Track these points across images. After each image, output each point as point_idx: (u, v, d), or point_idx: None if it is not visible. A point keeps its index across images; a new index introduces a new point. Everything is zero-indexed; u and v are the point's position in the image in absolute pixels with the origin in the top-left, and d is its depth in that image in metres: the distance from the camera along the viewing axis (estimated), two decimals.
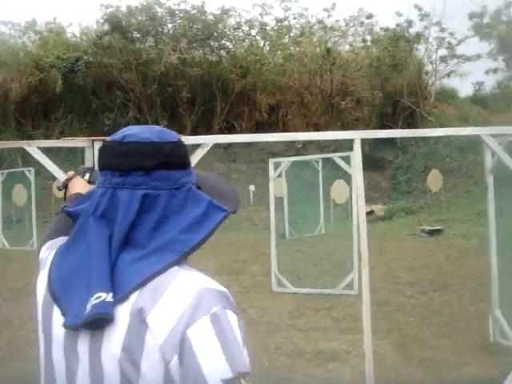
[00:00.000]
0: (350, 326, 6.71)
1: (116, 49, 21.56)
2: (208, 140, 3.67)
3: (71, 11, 40.37)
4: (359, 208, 4.20)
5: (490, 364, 5.20)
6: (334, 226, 14.53)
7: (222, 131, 20.90)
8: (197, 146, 3.72)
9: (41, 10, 41.08)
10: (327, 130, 20.62)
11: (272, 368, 5.45)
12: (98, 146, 3.65)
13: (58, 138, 20.11)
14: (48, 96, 21.58)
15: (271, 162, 9.14)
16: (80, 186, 1.79)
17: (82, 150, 4.48)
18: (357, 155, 3.97)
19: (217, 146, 22.32)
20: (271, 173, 9.14)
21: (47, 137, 19.84)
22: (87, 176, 1.85)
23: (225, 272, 10.34)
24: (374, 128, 19.58)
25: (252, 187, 18.79)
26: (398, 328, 6.59)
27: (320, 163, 14.47)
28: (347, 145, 21.02)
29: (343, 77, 21.60)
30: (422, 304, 7.67)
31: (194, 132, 21.10)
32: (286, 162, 9.13)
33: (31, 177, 14.59)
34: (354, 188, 4.06)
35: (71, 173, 1.88)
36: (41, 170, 16.03)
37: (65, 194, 1.83)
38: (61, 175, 3.67)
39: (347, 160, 8.81)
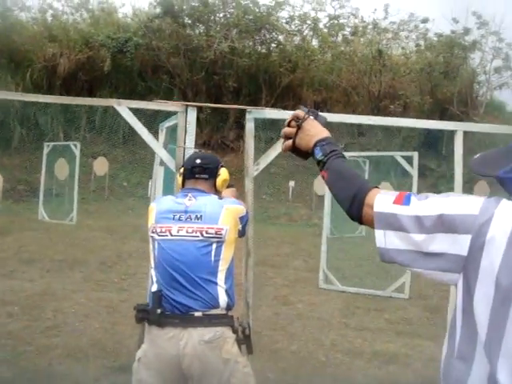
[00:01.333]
0: (406, 329, 6.48)
1: (166, 33, 21.48)
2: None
3: None
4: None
5: None
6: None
7: (264, 125, 20.69)
8: None
9: None
10: (371, 133, 20.40)
11: (330, 364, 5.24)
12: (191, 111, 3.48)
13: (101, 117, 20.20)
14: (95, 74, 21.59)
15: None
16: (316, 128, 1.69)
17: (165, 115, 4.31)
18: (458, 149, 3.73)
19: (258, 138, 22.06)
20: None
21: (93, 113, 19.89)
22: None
23: (268, 264, 10.15)
24: (420, 134, 19.22)
25: (292, 183, 18.58)
26: None
27: (367, 164, 14.19)
28: (390, 147, 20.60)
29: (392, 80, 21.23)
30: None
31: (237, 123, 20.97)
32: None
33: (77, 151, 14.56)
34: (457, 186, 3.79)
35: (300, 112, 1.70)
36: (82, 149, 16.09)
37: (296, 133, 1.69)
38: (150, 139, 3.51)
39: (410, 160, 8.56)
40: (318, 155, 1.65)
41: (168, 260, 2.70)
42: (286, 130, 1.75)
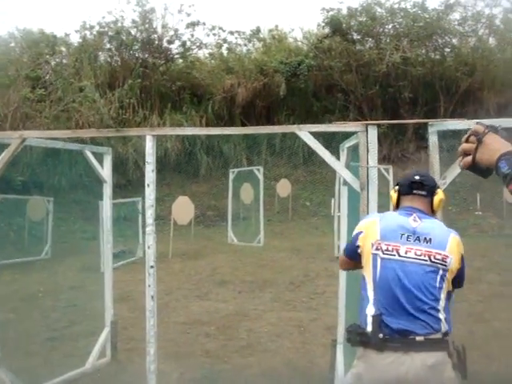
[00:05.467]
0: None
1: (336, 51, 21.64)
2: (493, 123, 3.26)
3: (293, 17, 41.67)
4: None
5: None
6: None
7: (443, 132, 19.92)
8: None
9: (264, 19, 42.98)
10: None
11: None
12: (371, 130, 3.45)
13: (281, 141, 20.82)
14: (271, 99, 22.36)
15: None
16: (499, 143, 1.64)
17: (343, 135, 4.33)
18: None
19: (440, 148, 21.31)
20: None
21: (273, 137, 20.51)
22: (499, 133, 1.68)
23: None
24: None
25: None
26: None
27: None
28: None
29: None
30: None
31: (415, 134, 20.44)
32: None
33: (260, 175, 15.11)
34: None
35: (480, 127, 1.67)
36: (265, 172, 16.68)
37: (476, 148, 1.65)
38: (332, 160, 3.53)
39: None
40: (504, 169, 1.56)
41: (394, 280, 2.65)
42: (465, 145, 1.69)
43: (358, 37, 22.23)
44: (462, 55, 20.90)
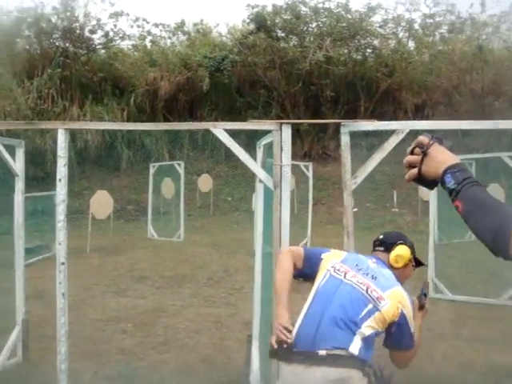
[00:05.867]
0: None
1: (261, 48, 21.77)
2: (403, 126, 3.39)
3: (218, 12, 41.56)
4: None
5: None
6: None
7: (364, 132, 20.43)
8: (391, 133, 3.45)
9: (189, 12, 42.68)
10: (476, 134, 19.59)
11: (441, 378, 5.06)
12: (285, 129, 3.49)
13: (203, 135, 20.74)
14: (194, 94, 22.27)
15: None
16: (444, 154, 1.61)
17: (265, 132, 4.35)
18: None
19: (360, 146, 21.94)
20: None
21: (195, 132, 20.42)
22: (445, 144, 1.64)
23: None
24: None
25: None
26: None
27: (474, 166, 13.69)
28: (497, 147, 19.72)
29: (495, 75, 20.33)
30: None
31: (337, 132, 20.84)
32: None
33: (181, 170, 15.01)
34: None
35: (424, 138, 1.65)
36: (186, 167, 16.59)
37: (421, 161, 1.62)
38: (247, 158, 3.56)
39: None
40: (450, 183, 1.54)
41: (328, 293, 2.77)
42: (410, 157, 1.66)
43: (283, 34, 22.43)
44: (383, 56, 21.48)
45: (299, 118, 20.51)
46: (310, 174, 12.92)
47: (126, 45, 23.30)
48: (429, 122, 3.78)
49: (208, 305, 8.05)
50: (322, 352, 2.59)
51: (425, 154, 1.61)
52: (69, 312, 7.78)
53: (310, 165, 13.29)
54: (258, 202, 4.24)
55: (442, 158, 1.59)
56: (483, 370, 5.24)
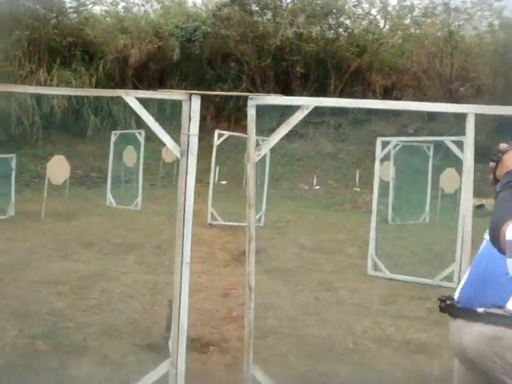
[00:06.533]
0: (446, 319, 6.32)
1: (234, 20, 21.64)
2: (308, 102, 3.46)
3: None
4: (467, 193, 3.85)
5: None
6: (439, 217, 13.94)
7: (332, 110, 20.53)
8: (296, 108, 3.52)
9: None
10: (443, 117, 19.81)
11: (356, 351, 5.22)
12: (195, 100, 3.55)
13: (171, 105, 20.64)
14: (165, 64, 22.11)
15: (379, 140, 8.80)
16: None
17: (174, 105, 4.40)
18: (469, 133, 3.63)
19: (327, 125, 22.11)
20: (378, 152, 8.80)
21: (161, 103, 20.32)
22: None
23: (320, 250, 10.16)
24: (494, 118, 18.49)
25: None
26: None
27: (431, 149, 13.94)
28: (462, 131, 20.01)
29: (465, 62, 20.52)
30: None
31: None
32: (394, 142, 8.76)
33: (141, 139, 14.98)
34: (465, 171, 3.72)
35: (504, 145, 1.71)
36: (150, 136, 16.51)
37: (495, 168, 1.72)
38: (156, 127, 3.61)
39: (460, 145, 8.32)
40: (498, 187, 1.67)
41: (486, 254, 2.78)
42: (491, 164, 1.78)
43: (257, 8, 22.32)
44: (354, 36, 21.53)
45: (269, 93, 20.45)
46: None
47: (98, 10, 23.02)
48: (334, 99, 3.85)
49: (149, 272, 8.13)
50: (480, 309, 2.66)
51: (499, 160, 1.73)
52: (10, 273, 7.87)
53: (259, 140, 13.33)
54: (181, 173, 4.27)
55: (510, 163, 1.68)
56: (398, 344, 5.42)
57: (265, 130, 19.42)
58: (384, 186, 16.61)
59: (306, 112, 3.49)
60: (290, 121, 3.52)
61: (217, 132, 12.34)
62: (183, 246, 3.76)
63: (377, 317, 6.31)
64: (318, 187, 18.58)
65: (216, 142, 12.46)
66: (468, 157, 3.73)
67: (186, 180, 3.65)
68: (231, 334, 5.57)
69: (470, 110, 3.60)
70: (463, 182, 3.74)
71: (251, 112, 3.55)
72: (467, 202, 3.79)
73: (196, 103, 3.56)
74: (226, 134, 12.62)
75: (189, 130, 3.57)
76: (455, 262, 8.00)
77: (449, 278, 8.00)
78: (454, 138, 8.81)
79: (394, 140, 8.84)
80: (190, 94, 3.57)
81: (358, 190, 18.39)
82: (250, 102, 3.53)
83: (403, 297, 7.25)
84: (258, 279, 8.14)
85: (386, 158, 14.67)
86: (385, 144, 8.85)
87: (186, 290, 3.81)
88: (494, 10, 20.36)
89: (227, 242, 10.54)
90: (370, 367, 4.86)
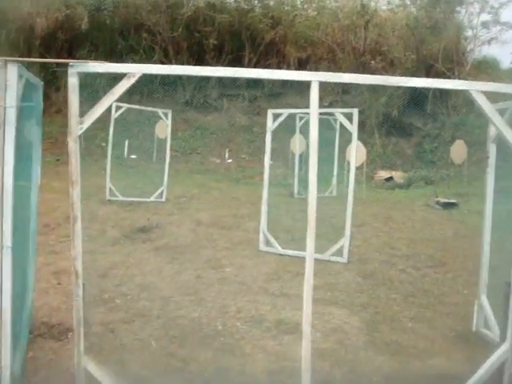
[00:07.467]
0: (326, 296, 6.21)
1: None
2: (135, 69, 3.13)
3: None
4: (310, 167, 3.64)
5: (461, 357, 4.64)
6: (346, 189, 13.95)
7: (248, 82, 20.19)
8: (123, 76, 3.19)
9: None
10: (356, 90, 19.86)
11: (224, 333, 5.01)
12: (11, 67, 3.16)
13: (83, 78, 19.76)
14: (74, 33, 21.13)
15: (270, 112, 8.58)
16: None
17: None
18: (313, 101, 3.41)
19: (242, 98, 21.77)
20: (269, 124, 8.58)
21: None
22: None
23: (217, 226, 9.92)
24: (405, 92, 18.71)
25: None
26: (377, 304, 6.04)
27: (338, 123, 13.88)
28: (376, 105, 20.02)
29: (378, 36, 20.59)
30: (412, 280, 7.10)
31: (220, 80, 20.48)
32: (286, 114, 8.51)
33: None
34: (312, 141, 3.51)
35: None
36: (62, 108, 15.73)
37: None
38: None
39: (350, 116, 8.22)
40: None
41: None
42: None
43: None
44: (269, 7, 21.19)
45: (182, 64, 19.95)
46: (168, 122, 12.64)
47: None
48: (164, 66, 3.53)
49: None
50: None
51: None
52: None
53: (170, 112, 12.94)
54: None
55: None
56: (269, 325, 5.24)
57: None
58: (295, 159, 16.61)
59: (133, 80, 3.16)
60: (114, 90, 3.19)
61: (114, 104, 11.82)
62: (2, 228, 3.37)
63: (256, 295, 6.12)
64: (229, 161, 18.32)
65: (114, 114, 11.94)
66: (312, 126, 3.50)
67: (3, 154, 3.25)
68: (95, 317, 5.24)
69: (313, 77, 3.37)
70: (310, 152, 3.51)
71: (72, 81, 3.19)
72: (312, 174, 3.58)
73: (12, 71, 3.17)
74: (125, 106, 12.08)
75: (5, 102, 3.18)
76: (345, 237, 7.94)
77: (339, 253, 7.94)
78: (343, 110, 8.68)
79: (285, 112, 8.59)
80: (6, 61, 3.18)
81: (272, 163, 18.20)
82: (70, 70, 3.18)
83: (290, 273, 7.09)
84: (145, 258, 7.89)
85: (300, 131, 14.62)
86: (276, 115, 8.61)
87: (8, 277, 3.44)
88: None
89: (122, 219, 10.13)
90: (233, 351, 4.65)
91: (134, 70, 3.17)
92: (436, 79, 3.82)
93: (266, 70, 3.36)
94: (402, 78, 3.47)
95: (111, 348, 4.64)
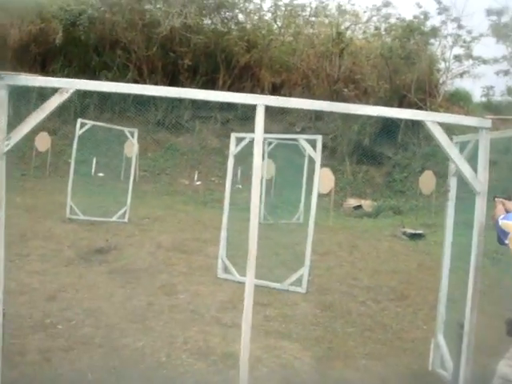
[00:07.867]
0: (280, 328, 5.99)
1: (122, 7, 20.69)
2: (67, 84, 2.93)
3: None
4: (253, 189, 3.46)
5: None
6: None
7: (221, 105, 20.06)
8: (55, 91, 2.98)
9: None
10: (329, 117, 19.83)
11: (167, 366, 4.75)
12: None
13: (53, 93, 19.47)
14: (48, 47, 20.87)
15: (233, 136, 8.39)
16: None
17: None
18: (258, 125, 3.24)
19: (214, 120, 21.61)
20: (232, 148, 8.38)
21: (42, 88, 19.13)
22: None
23: (178, 249, 9.67)
24: (377, 121, 18.73)
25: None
26: (332, 339, 5.83)
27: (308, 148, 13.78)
28: (348, 132, 20.00)
29: (353, 64, 20.67)
30: (372, 313, 6.91)
31: (192, 102, 20.31)
32: (248, 138, 8.32)
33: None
34: (255, 165, 3.33)
35: None
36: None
37: None
38: None
39: (313, 143, 8.08)
40: None
41: None
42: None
43: None
44: (246, 31, 21.16)
45: (156, 84, 19.76)
46: (134, 141, 12.39)
47: None
48: (100, 82, 3.33)
49: None
50: None
51: None
52: None
53: (136, 131, 12.67)
54: None
55: None
56: (216, 358, 4.99)
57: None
58: (266, 183, 16.45)
59: (65, 96, 2.95)
60: (45, 105, 2.97)
61: (79, 121, 11.57)
62: None
63: (207, 325, 5.87)
64: (198, 183, 18.09)
65: (78, 131, 11.64)
66: (256, 151, 3.33)
67: None
68: (32, 345, 4.94)
69: (259, 101, 3.20)
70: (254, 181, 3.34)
71: (1, 94, 2.97)
72: (255, 198, 3.39)
73: None
74: (90, 123, 11.82)
75: None
76: (304, 266, 7.75)
77: (298, 282, 7.73)
78: (307, 137, 8.55)
79: (248, 136, 8.40)
80: None
81: (240, 187, 18.04)
82: (0, 82, 2.96)
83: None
84: (98, 281, 7.58)
85: (269, 156, 14.47)
86: (239, 139, 8.42)
87: None
88: (383, 16, 20.59)
89: (80, 239, 9.81)
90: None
91: (67, 86, 2.96)
92: (392, 108, 3.68)
93: (208, 92, 3.19)
94: (350, 105, 3.33)
95: (44, 379, 4.37)
